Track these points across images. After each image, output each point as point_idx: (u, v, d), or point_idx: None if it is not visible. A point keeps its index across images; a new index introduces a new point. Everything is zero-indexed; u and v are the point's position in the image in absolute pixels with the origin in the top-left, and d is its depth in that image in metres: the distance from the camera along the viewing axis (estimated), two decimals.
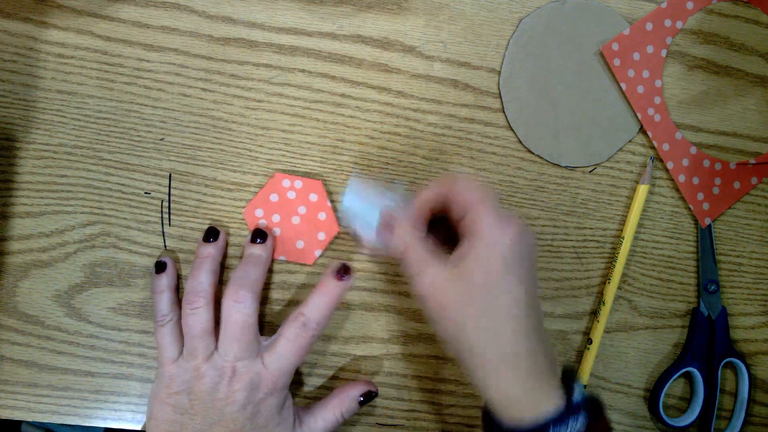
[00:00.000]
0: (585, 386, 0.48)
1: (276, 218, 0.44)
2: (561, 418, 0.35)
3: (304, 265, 0.46)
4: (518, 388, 0.36)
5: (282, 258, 0.45)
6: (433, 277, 0.38)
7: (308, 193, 0.44)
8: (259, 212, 0.44)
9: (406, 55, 0.47)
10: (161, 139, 0.45)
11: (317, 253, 0.45)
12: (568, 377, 0.38)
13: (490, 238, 0.37)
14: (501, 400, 0.37)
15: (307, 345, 0.42)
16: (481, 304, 0.36)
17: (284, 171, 0.46)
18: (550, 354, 0.38)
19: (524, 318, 0.37)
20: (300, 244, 0.45)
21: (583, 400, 0.37)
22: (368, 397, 0.45)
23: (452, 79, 0.47)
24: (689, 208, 0.49)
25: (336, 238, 0.46)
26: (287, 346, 0.42)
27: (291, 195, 0.44)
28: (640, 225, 0.49)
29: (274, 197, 0.44)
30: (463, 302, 0.37)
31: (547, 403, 0.36)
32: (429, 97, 0.47)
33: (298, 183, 0.44)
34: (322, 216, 0.45)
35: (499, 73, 0.48)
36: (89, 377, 0.45)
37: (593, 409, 0.37)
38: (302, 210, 0.44)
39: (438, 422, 0.48)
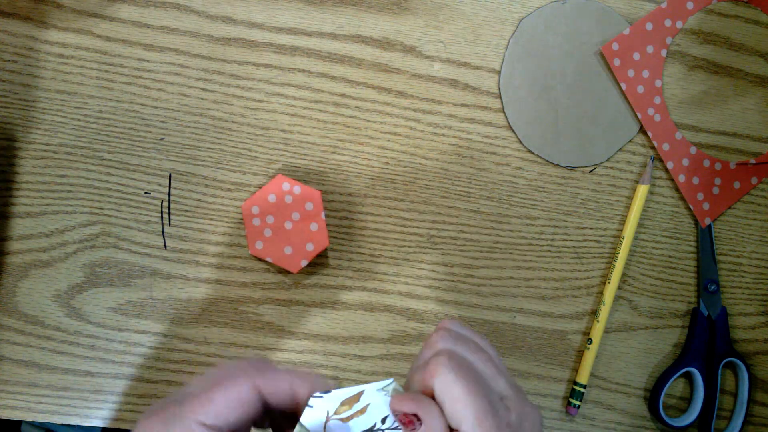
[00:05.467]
0: (585, 386, 0.48)
1: (270, 219, 0.44)
2: None
3: (288, 272, 0.45)
4: None
5: (268, 259, 0.44)
6: None
7: (305, 200, 0.44)
8: (255, 209, 0.44)
9: (406, 55, 0.47)
10: (161, 139, 0.45)
11: (303, 263, 0.44)
12: None
13: None
14: None
15: None
16: None
17: (284, 171, 0.46)
18: None
19: None
20: (288, 250, 0.44)
21: None
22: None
23: (452, 79, 0.47)
24: (689, 208, 0.49)
25: (322, 254, 0.45)
26: None
27: (288, 199, 0.44)
28: (640, 225, 0.49)
29: (272, 198, 0.44)
30: None
31: None
32: (429, 97, 0.47)
33: (297, 189, 0.44)
34: (314, 227, 0.44)
35: (499, 73, 0.48)
36: (89, 377, 0.45)
37: None
38: (296, 216, 0.44)
39: None
